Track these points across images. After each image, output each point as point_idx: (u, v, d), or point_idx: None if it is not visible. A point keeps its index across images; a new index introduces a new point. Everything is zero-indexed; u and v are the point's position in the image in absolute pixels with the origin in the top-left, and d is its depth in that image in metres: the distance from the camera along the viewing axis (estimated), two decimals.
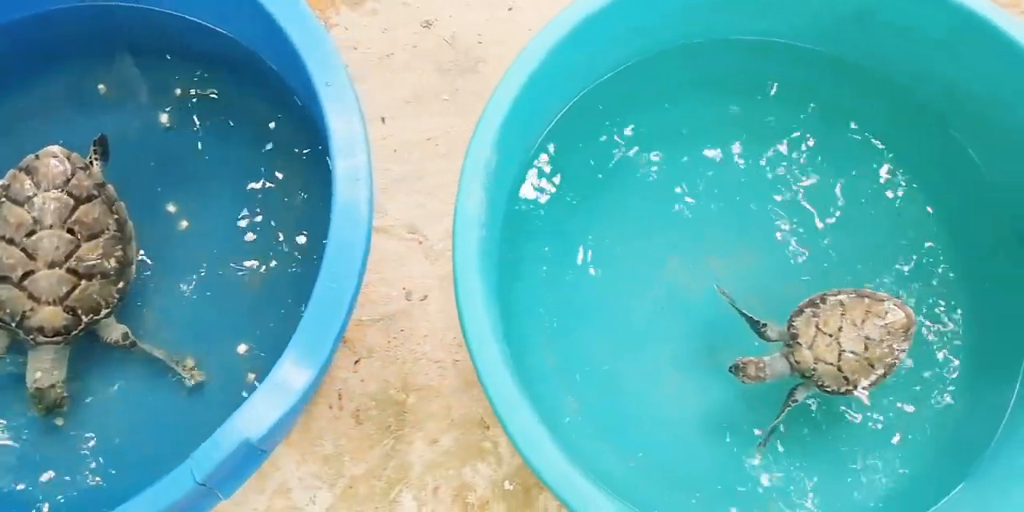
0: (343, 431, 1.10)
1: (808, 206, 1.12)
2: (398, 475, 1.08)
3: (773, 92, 1.16)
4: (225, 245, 1.09)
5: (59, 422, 1.00)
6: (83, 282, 0.95)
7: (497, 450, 1.08)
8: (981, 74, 1.01)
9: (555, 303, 1.07)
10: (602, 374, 1.05)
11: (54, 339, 0.95)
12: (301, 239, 1.09)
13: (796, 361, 0.95)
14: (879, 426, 1.02)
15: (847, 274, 1.09)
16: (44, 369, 0.96)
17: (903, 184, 1.13)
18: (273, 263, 1.09)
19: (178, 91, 1.16)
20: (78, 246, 0.94)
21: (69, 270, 0.94)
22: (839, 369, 0.93)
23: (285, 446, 1.08)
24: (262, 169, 1.12)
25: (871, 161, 1.14)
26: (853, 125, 1.15)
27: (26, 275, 0.93)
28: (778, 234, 1.11)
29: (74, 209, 0.95)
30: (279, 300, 1.07)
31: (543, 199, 1.11)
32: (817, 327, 0.94)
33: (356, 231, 0.85)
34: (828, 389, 0.95)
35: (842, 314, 0.94)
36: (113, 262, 0.97)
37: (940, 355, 1.05)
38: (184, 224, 1.11)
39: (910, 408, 1.03)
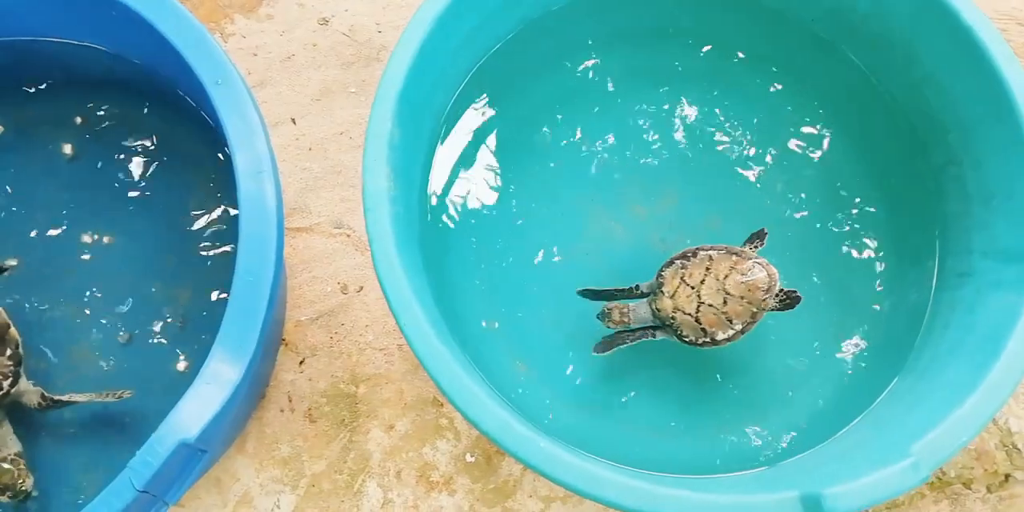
0: (298, 431, 1.09)
1: (724, 146, 1.14)
2: (359, 466, 1.07)
3: (679, 38, 1.18)
4: (147, 267, 1.08)
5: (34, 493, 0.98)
6: None
7: (454, 425, 1.08)
8: None
9: (489, 272, 1.08)
10: (545, 333, 1.06)
11: None
12: (224, 250, 1.08)
13: (657, 309, 0.98)
14: (816, 335, 1.06)
15: (767, 209, 1.11)
16: None
17: (807, 111, 1.15)
18: (202, 279, 1.07)
19: (78, 119, 1.14)
20: None
21: None
22: (697, 320, 0.95)
23: (241, 456, 1.07)
24: (175, 188, 1.11)
25: (778, 96, 1.16)
26: (741, 54, 1.17)
27: None
28: (698, 177, 1.13)
29: None
30: (213, 314, 1.06)
31: (461, 171, 1.11)
32: (682, 279, 0.96)
33: (265, 222, 0.84)
34: (686, 339, 0.97)
35: (707, 268, 0.95)
36: None
37: (863, 265, 1.08)
38: (101, 252, 1.09)
39: (841, 314, 1.06)
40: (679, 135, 1.14)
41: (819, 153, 1.13)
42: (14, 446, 0.96)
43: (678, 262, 0.98)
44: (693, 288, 0.95)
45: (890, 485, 0.73)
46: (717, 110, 1.15)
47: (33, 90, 1.15)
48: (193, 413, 0.77)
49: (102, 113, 1.14)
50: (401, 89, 0.90)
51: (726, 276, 0.94)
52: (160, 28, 0.92)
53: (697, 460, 1.00)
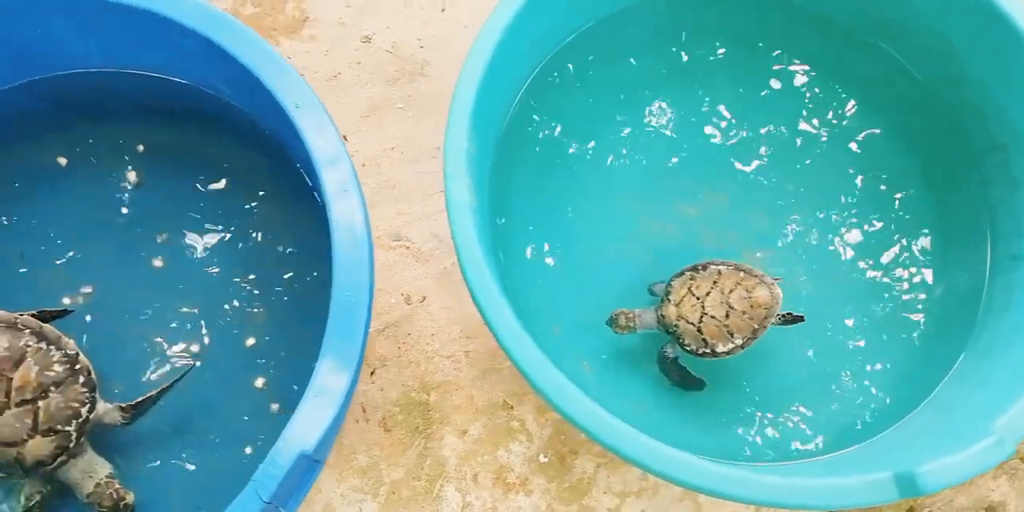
0: (374, 441, 1.11)
1: (770, 145, 1.19)
2: (436, 471, 1.10)
3: (725, 40, 1.23)
4: (220, 288, 1.10)
5: None
6: (40, 403, 0.90)
7: (525, 428, 1.12)
8: None
9: (551, 274, 1.12)
10: (607, 332, 1.08)
11: (58, 461, 0.92)
12: (288, 274, 1.11)
13: (662, 315, 1.03)
14: (874, 323, 1.11)
15: (814, 203, 1.17)
16: (77, 479, 0.95)
17: (848, 108, 1.20)
18: (271, 298, 1.10)
19: (141, 147, 1.15)
20: (10, 380, 0.90)
21: (19, 403, 0.89)
22: (699, 330, 1.00)
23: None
24: (242, 212, 1.13)
25: (816, 90, 1.21)
26: (787, 57, 1.22)
27: None
28: (739, 174, 1.18)
29: None
30: (285, 331, 1.08)
31: (518, 179, 1.15)
32: (689, 289, 1.01)
33: (358, 238, 0.87)
34: (688, 348, 1.02)
35: (715, 282, 1.01)
36: (57, 367, 0.93)
37: (915, 252, 1.14)
38: (176, 276, 1.11)
39: (897, 302, 1.12)
40: (726, 135, 1.19)
41: (862, 148, 1.19)
42: (103, 469, 0.97)
43: (688, 273, 1.04)
44: (698, 299, 1.00)
45: (978, 461, 0.78)
46: (762, 109, 1.20)
47: (94, 122, 1.16)
48: (308, 425, 0.79)
49: (164, 140, 1.16)
50: (474, 103, 0.94)
51: (731, 290, 0.99)
52: (236, 55, 0.94)
53: (766, 448, 1.04)
